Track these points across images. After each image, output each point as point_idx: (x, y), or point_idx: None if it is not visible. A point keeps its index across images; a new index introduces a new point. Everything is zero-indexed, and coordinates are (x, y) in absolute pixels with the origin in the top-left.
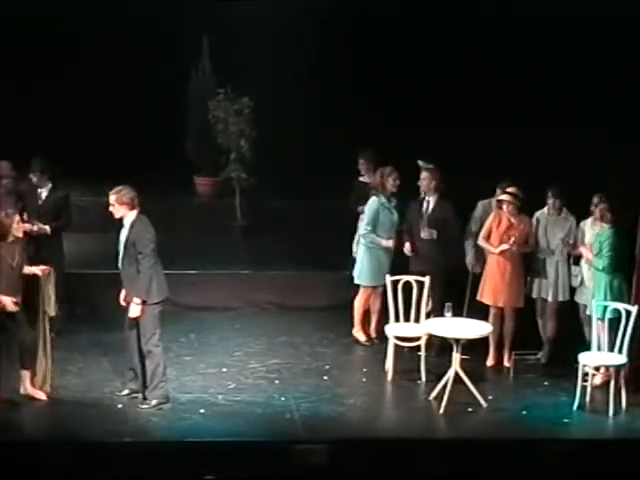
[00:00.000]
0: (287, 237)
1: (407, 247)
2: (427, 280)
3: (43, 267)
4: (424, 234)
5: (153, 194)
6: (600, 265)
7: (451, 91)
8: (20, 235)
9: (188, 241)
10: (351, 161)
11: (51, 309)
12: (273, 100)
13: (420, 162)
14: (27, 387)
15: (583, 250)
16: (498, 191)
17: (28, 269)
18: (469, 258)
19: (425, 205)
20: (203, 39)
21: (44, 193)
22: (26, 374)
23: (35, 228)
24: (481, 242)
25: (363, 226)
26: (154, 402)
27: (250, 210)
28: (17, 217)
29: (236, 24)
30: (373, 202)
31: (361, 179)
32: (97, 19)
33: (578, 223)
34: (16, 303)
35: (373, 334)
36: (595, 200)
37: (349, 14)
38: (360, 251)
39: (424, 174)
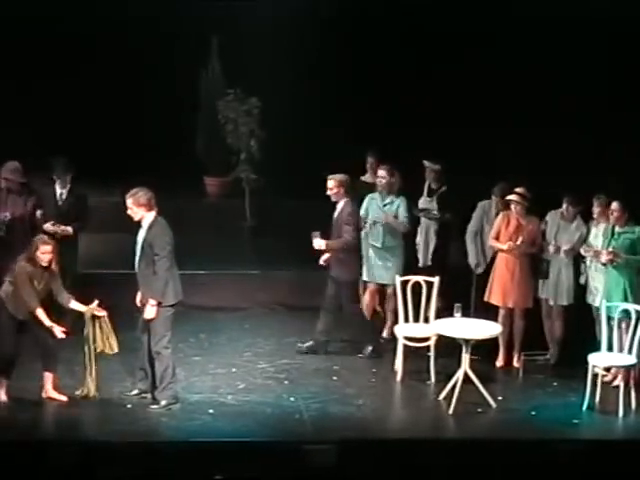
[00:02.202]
0: (296, 237)
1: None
2: (436, 280)
3: (94, 307)
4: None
5: (162, 194)
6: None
7: (451, 91)
8: (45, 264)
9: (197, 241)
10: (355, 160)
11: (113, 349)
12: (278, 100)
13: (426, 162)
14: (48, 389)
15: (605, 253)
16: (494, 194)
17: (75, 305)
18: (471, 258)
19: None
20: (212, 40)
21: (64, 194)
22: (48, 376)
23: (59, 230)
24: (491, 242)
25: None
26: (163, 402)
27: (259, 210)
28: (47, 247)
29: (243, 24)
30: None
31: (363, 178)
32: (100, 19)
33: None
34: (65, 332)
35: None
36: (599, 202)
37: (349, 14)
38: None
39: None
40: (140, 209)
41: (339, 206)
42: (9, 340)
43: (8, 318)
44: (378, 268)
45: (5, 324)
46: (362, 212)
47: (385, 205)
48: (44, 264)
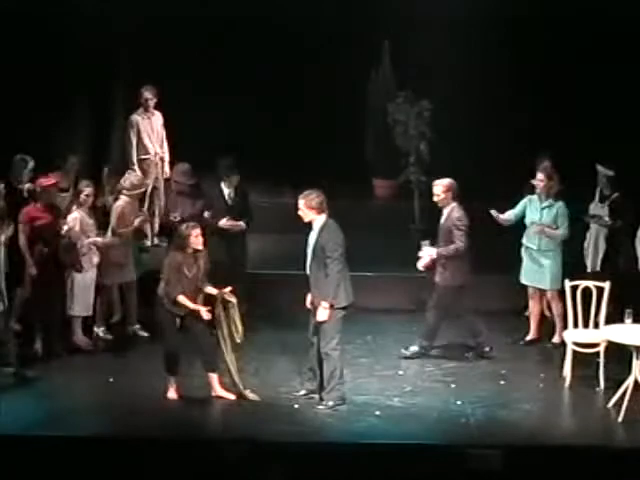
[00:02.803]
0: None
1: None
2: (607, 285)
3: (227, 292)
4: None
5: (332, 195)
6: None
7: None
8: (200, 248)
9: (365, 243)
10: (527, 163)
11: (238, 336)
12: (449, 102)
13: (599, 167)
14: (215, 388)
15: None
16: None
17: (210, 289)
18: None
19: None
20: (384, 42)
21: (232, 193)
22: (212, 376)
23: (234, 226)
24: None
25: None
26: (330, 403)
27: (428, 213)
28: (197, 230)
29: (417, 25)
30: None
31: (533, 181)
32: (274, 20)
33: None
34: (209, 311)
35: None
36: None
37: (528, 14)
38: None
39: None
40: (311, 211)
41: (446, 211)
42: (172, 339)
43: (169, 316)
44: (532, 271)
45: (166, 323)
46: (517, 211)
47: (543, 208)
48: (198, 247)
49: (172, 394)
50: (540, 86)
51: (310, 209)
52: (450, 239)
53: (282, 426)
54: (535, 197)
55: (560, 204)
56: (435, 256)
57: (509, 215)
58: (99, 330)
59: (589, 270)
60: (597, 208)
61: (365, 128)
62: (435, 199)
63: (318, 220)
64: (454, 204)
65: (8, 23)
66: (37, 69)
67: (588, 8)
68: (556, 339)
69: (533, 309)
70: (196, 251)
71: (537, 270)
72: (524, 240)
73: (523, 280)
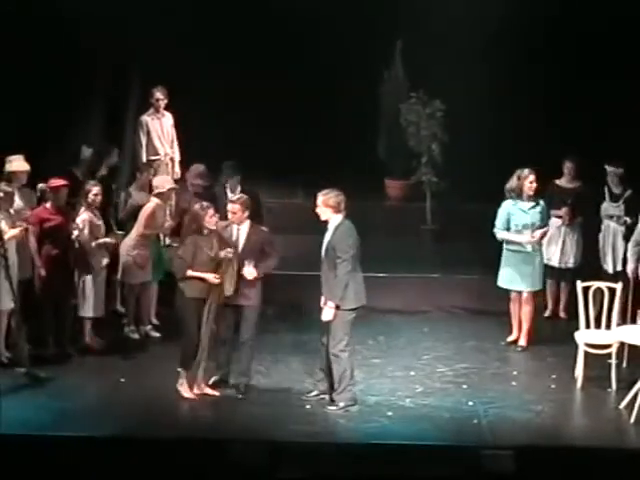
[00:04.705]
0: (477, 241)
1: None
2: (619, 287)
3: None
4: None
5: (345, 195)
6: None
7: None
8: (213, 227)
9: (378, 243)
10: (546, 163)
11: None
12: (464, 103)
13: (608, 166)
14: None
15: None
16: None
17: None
18: (631, 265)
19: None
20: (397, 43)
21: (236, 196)
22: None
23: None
24: None
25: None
26: (341, 404)
27: (440, 214)
28: (211, 210)
29: (430, 25)
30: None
31: (558, 182)
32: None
33: None
34: (217, 277)
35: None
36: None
37: (536, 14)
38: None
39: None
40: (327, 210)
41: None
42: (193, 334)
43: (193, 312)
44: (519, 274)
45: (188, 318)
46: (503, 220)
47: (530, 209)
48: (212, 227)
49: (186, 391)
50: (552, 86)
51: (327, 207)
52: None
53: (293, 426)
54: (516, 201)
55: (542, 203)
56: None
57: (502, 232)
58: (129, 330)
59: (610, 271)
60: (611, 208)
61: (378, 129)
62: None
63: (334, 219)
64: None
65: (20, 24)
66: (49, 69)
67: (600, 9)
68: (522, 342)
69: (515, 311)
70: (211, 231)
71: (523, 273)
72: (510, 245)
73: (505, 284)
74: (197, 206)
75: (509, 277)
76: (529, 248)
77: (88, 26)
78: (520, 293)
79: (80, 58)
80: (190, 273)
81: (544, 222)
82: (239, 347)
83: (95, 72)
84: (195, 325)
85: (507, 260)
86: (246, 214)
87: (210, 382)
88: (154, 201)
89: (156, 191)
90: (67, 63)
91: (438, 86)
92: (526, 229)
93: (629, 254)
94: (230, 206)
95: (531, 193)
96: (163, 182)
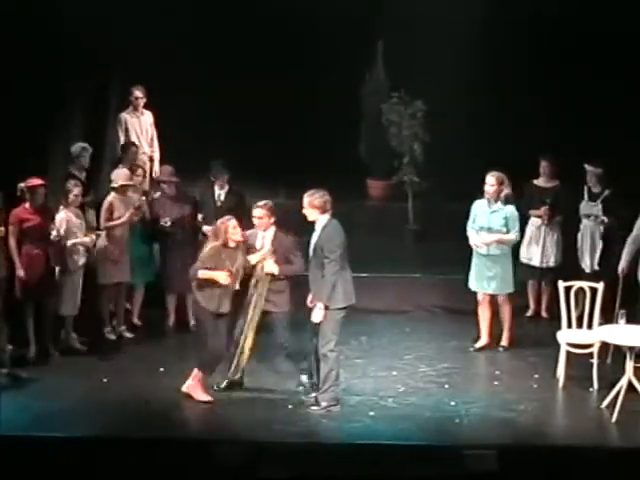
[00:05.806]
0: (459, 241)
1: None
2: (600, 286)
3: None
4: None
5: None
6: None
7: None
8: (240, 239)
9: (360, 244)
10: (525, 163)
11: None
12: (442, 103)
13: (587, 166)
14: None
15: None
16: None
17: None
18: (623, 263)
19: None
20: (378, 44)
21: (222, 195)
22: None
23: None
24: None
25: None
26: (324, 404)
27: (422, 214)
28: (232, 221)
29: (412, 26)
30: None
31: (535, 182)
32: (263, 19)
33: None
34: (230, 275)
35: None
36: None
37: (525, 15)
38: None
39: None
40: (314, 210)
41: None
42: (217, 338)
43: (207, 314)
44: (483, 277)
45: (208, 323)
46: (471, 216)
47: (492, 213)
48: (239, 238)
49: (201, 395)
50: (535, 85)
51: (313, 208)
52: None
53: (276, 426)
54: (483, 202)
55: (510, 208)
56: None
57: (469, 231)
58: (105, 330)
59: (588, 270)
60: (589, 207)
61: (359, 129)
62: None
63: (321, 220)
64: None
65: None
66: (35, 68)
67: (583, 9)
68: (504, 342)
69: (483, 314)
70: (238, 243)
71: (488, 275)
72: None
73: (473, 286)
74: (218, 222)
75: (476, 279)
76: (482, 251)
77: (75, 26)
78: (491, 296)
79: (64, 58)
80: (202, 273)
81: (507, 228)
82: (280, 352)
83: (82, 71)
84: (216, 330)
85: (474, 261)
86: (272, 220)
87: (222, 386)
88: (112, 195)
89: (111, 185)
90: (51, 63)
91: (419, 86)
92: (483, 231)
93: (624, 252)
94: (257, 211)
95: (488, 196)
96: (117, 177)
